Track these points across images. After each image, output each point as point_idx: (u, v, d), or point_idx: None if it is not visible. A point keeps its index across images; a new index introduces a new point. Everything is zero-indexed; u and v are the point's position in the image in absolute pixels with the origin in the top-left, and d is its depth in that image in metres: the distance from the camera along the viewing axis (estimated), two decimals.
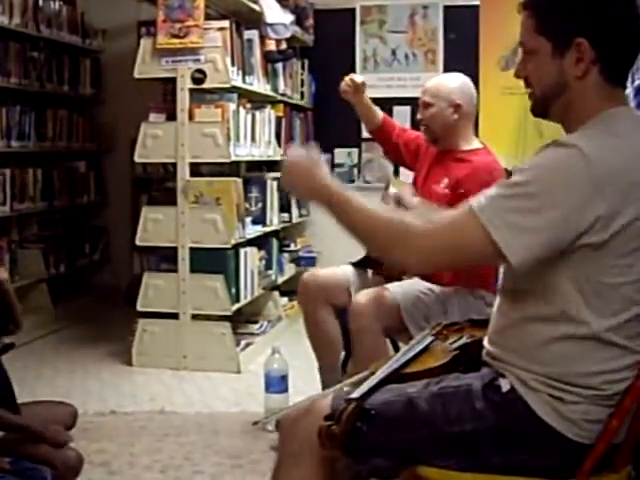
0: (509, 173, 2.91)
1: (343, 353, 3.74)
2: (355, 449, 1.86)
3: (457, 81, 3.59)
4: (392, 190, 3.43)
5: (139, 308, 4.91)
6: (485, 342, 2.01)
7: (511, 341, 1.89)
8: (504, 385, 1.87)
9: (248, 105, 5.18)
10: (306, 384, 3.81)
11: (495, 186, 1.80)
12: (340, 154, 6.67)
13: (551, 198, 1.71)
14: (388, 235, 1.87)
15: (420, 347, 2.19)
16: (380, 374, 2.02)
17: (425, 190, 3.50)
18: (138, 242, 4.90)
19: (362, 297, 3.28)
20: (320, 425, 1.84)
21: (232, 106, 4.83)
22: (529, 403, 1.82)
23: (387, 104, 6.37)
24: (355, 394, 1.89)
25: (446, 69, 6.21)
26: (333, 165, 6.68)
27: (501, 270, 2.00)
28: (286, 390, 3.82)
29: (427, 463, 1.89)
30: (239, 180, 4.98)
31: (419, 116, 3.60)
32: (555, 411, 1.80)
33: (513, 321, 1.88)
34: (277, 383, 3.82)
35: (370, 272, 3.65)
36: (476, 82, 6.12)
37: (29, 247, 6.00)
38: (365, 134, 6.40)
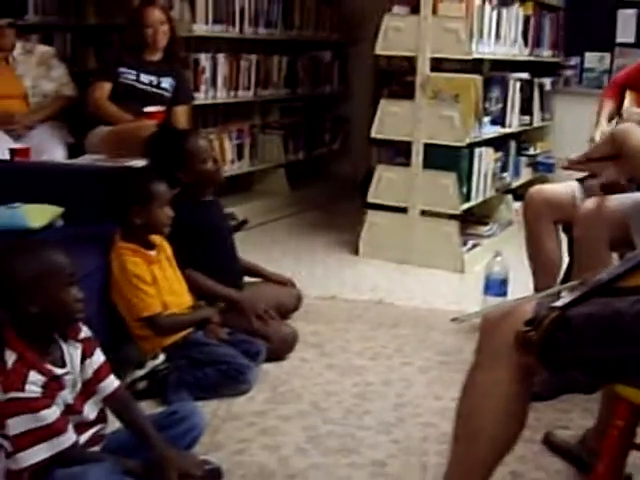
0: None
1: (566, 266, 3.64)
2: (551, 359, 1.82)
3: None
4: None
5: (369, 200, 4.97)
6: None
7: None
8: None
9: (494, 1, 5.02)
10: (527, 291, 3.75)
11: None
12: (591, 58, 6.36)
13: None
14: None
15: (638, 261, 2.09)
16: (590, 284, 1.95)
17: None
18: (374, 134, 4.93)
19: (589, 203, 3.16)
20: (518, 330, 1.81)
21: (477, 1, 4.70)
22: None
23: (612, 8, 6.03)
24: (559, 302, 1.83)
25: None
26: (582, 70, 6.40)
27: None
28: (505, 294, 3.78)
29: (626, 382, 1.82)
30: (479, 78, 4.88)
31: None
32: None
33: None
34: (496, 286, 3.80)
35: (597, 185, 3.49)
36: None
37: (270, 133, 6.18)
38: (620, 38, 6.11)
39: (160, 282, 3.01)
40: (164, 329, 3.02)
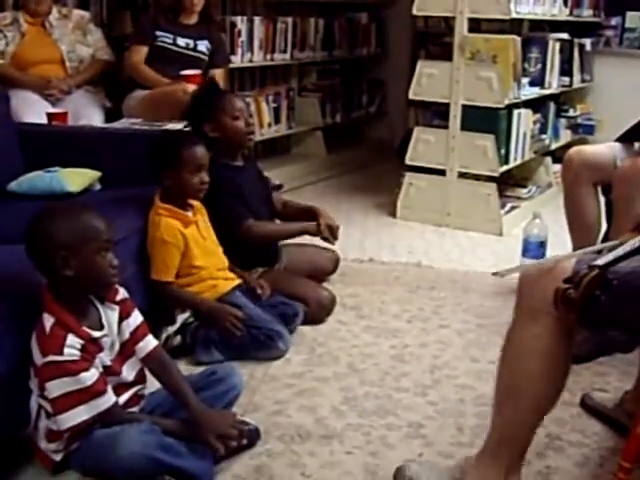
0: None
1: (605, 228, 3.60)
2: (591, 317, 1.80)
3: None
4: None
5: (407, 162, 4.95)
6: None
7: None
8: None
9: None
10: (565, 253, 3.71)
11: None
12: (632, 18, 6.22)
13: None
14: None
15: None
16: (631, 243, 1.92)
17: None
18: (411, 96, 4.89)
19: (627, 162, 3.11)
20: (557, 287, 1.79)
21: None
22: None
23: None
24: (599, 261, 1.81)
25: None
26: (623, 30, 6.28)
27: None
28: (543, 256, 3.75)
29: None
30: (518, 39, 4.81)
31: None
32: None
33: None
34: (535, 248, 3.78)
35: (638, 145, 3.44)
36: None
37: (307, 95, 6.16)
38: None
39: (194, 242, 3.00)
40: (165, 297, 3.00)
